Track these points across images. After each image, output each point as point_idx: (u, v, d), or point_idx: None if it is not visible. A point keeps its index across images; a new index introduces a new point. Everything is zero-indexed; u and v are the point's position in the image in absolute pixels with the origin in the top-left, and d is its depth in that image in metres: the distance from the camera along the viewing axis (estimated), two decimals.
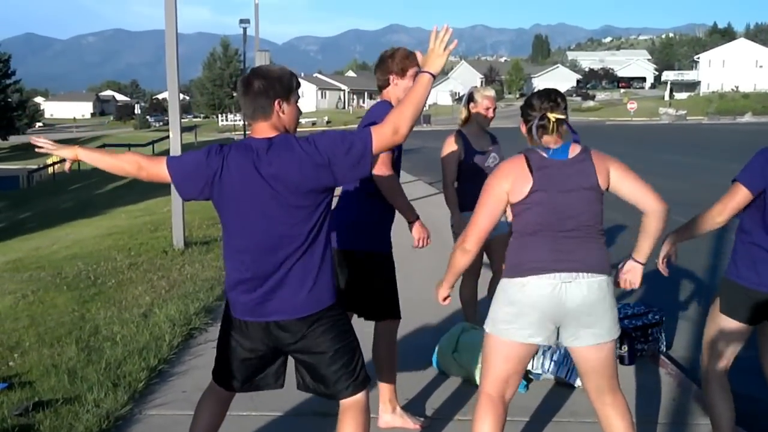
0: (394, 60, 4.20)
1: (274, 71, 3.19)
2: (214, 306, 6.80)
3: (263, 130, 3.14)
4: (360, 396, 3.26)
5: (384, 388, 4.38)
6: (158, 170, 3.26)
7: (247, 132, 34.40)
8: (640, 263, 3.42)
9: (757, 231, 3.53)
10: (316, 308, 3.13)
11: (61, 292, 7.63)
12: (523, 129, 3.43)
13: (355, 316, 4.28)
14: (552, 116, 3.29)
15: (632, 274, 3.44)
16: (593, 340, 3.24)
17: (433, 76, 3.16)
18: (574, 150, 3.30)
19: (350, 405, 3.26)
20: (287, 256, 3.08)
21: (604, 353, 3.29)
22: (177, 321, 6.21)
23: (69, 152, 3.42)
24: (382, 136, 3.05)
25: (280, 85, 3.13)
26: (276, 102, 3.11)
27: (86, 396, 4.66)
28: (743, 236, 3.60)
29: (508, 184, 3.26)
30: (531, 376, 4.96)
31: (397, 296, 4.36)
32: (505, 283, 3.31)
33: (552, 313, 3.19)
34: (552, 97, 3.36)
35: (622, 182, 3.28)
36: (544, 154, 3.27)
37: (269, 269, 3.10)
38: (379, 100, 4.34)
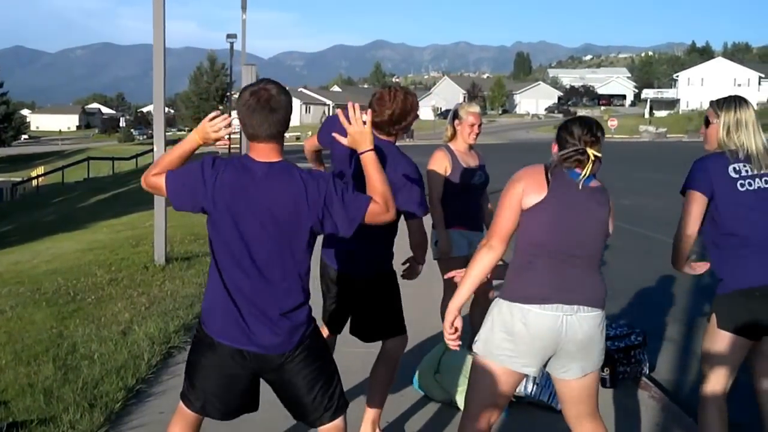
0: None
1: (286, 91, 3.03)
2: (193, 324, 6.72)
3: (267, 152, 2.98)
4: (338, 422, 3.22)
5: (371, 411, 4.32)
6: (158, 180, 3.12)
7: (233, 146, 34.31)
8: None
9: (719, 237, 3.62)
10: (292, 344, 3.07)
11: (40, 307, 7.53)
12: (555, 150, 3.29)
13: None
14: (591, 153, 3.19)
15: None
16: (581, 372, 3.21)
17: (372, 150, 3.09)
18: (596, 183, 3.26)
19: (328, 431, 3.21)
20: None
21: (588, 383, 3.26)
22: (156, 339, 6.13)
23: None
24: (375, 213, 2.99)
25: (292, 106, 3.04)
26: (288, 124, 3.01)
27: (62, 417, 4.58)
28: (715, 251, 3.66)
29: (521, 187, 3.18)
30: (513, 399, 4.91)
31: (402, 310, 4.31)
32: (503, 306, 3.20)
33: (550, 345, 3.13)
34: (594, 130, 3.24)
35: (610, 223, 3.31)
36: (566, 172, 3.20)
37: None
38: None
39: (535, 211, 3.14)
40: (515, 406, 4.86)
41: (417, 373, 5.18)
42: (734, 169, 3.58)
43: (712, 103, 3.79)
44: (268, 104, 2.91)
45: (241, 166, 2.99)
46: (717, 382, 3.67)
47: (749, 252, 3.55)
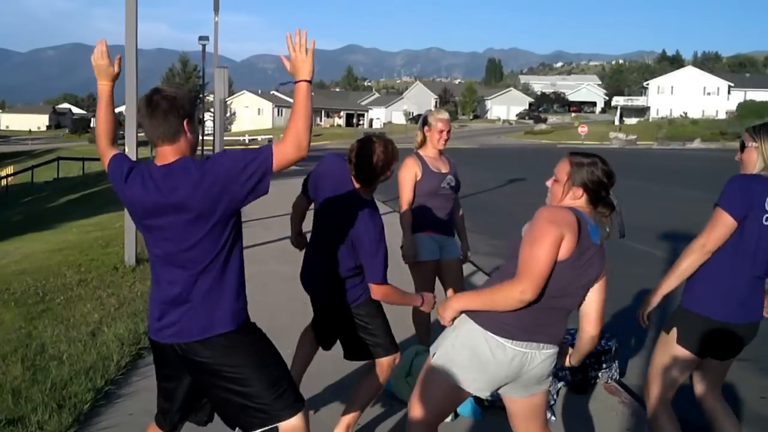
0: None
1: (177, 91, 3.10)
2: None
3: (166, 155, 3.04)
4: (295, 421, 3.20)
5: (349, 416, 4.33)
6: (104, 158, 3.34)
7: (205, 148, 34.06)
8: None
9: (727, 256, 3.56)
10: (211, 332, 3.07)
11: (9, 308, 7.46)
12: (579, 195, 3.17)
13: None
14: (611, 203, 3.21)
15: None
16: (530, 392, 3.28)
17: (309, 81, 3.04)
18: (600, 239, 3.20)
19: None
20: (190, 277, 3.04)
21: (538, 400, 3.31)
22: (126, 340, 6.10)
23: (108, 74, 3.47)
24: (283, 153, 2.91)
25: (188, 103, 3.06)
26: (184, 122, 3.03)
27: (30, 417, 4.55)
28: (713, 265, 3.59)
29: (561, 236, 2.98)
30: (486, 402, 4.94)
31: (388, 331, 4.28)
32: (474, 329, 3.16)
33: (511, 375, 3.17)
34: (613, 179, 3.24)
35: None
36: (588, 226, 3.11)
37: (175, 291, 3.07)
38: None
39: (557, 265, 3.02)
40: (486, 410, 4.89)
41: (392, 376, 5.19)
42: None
43: (748, 128, 3.68)
44: (158, 108, 3.00)
45: (142, 173, 3.08)
46: (665, 389, 3.74)
47: (733, 285, 3.56)
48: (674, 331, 3.70)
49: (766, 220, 3.51)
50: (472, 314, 3.19)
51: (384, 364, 4.23)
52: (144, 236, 3.16)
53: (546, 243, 2.95)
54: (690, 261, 3.60)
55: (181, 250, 3.01)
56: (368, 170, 3.97)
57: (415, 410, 3.33)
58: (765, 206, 3.50)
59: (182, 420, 3.41)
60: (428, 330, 5.67)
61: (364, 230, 3.89)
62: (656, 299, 3.76)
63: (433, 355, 3.30)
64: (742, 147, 3.66)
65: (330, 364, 5.09)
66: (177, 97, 3.03)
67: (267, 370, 3.16)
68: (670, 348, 3.71)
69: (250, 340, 3.18)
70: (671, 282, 3.69)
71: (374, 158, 3.95)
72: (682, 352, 3.66)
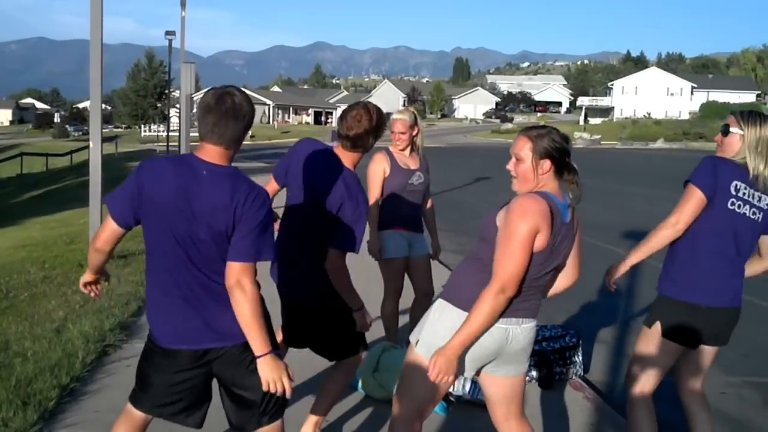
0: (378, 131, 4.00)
1: (249, 98, 3.08)
2: (129, 322, 6.65)
3: (214, 156, 3.00)
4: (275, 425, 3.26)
5: (317, 414, 4.33)
6: (104, 230, 3.16)
7: (171, 145, 33.74)
8: None
9: (695, 242, 3.62)
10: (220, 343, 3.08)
11: None
12: (547, 168, 3.15)
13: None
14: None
15: None
16: (512, 372, 3.30)
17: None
18: (570, 213, 3.23)
19: None
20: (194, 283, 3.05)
21: (517, 383, 3.35)
22: (91, 337, 6.04)
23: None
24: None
25: (253, 116, 3.07)
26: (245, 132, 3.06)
27: None
28: (683, 251, 3.65)
29: (535, 230, 3.01)
30: (452, 398, 4.99)
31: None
32: (452, 313, 3.18)
33: (493, 354, 3.19)
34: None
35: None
36: (558, 204, 3.13)
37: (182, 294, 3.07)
38: (332, 145, 4.15)
39: (539, 258, 3.08)
40: (454, 406, 4.93)
41: (358, 372, 5.21)
42: (735, 186, 3.57)
43: (735, 113, 3.70)
44: (235, 108, 2.98)
45: (184, 163, 3.03)
46: (647, 383, 3.76)
47: (714, 269, 3.61)
48: (658, 323, 3.70)
49: (731, 205, 3.57)
50: (449, 297, 3.24)
51: (351, 360, 4.23)
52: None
53: (521, 242, 2.98)
54: (660, 237, 3.64)
55: None
56: (362, 130, 3.93)
57: (401, 402, 3.33)
58: (730, 190, 3.57)
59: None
60: (396, 327, 5.69)
61: (347, 196, 3.81)
62: (623, 269, 3.79)
63: (416, 342, 3.30)
64: (726, 131, 3.69)
65: (297, 363, 5.09)
66: (252, 107, 3.05)
67: None
68: (653, 340, 3.71)
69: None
70: (639, 255, 3.72)
71: (364, 119, 3.94)
72: (666, 343, 3.67)
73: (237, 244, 2.96)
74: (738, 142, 3.61)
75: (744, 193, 3.58)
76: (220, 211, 2.94)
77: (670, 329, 3.66)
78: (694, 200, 3.57)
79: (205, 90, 3.21)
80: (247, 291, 2.94)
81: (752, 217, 3.61)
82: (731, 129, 3.66)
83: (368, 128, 3.93)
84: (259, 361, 2.99)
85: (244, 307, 2.94)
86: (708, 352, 3.82)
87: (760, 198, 3.61)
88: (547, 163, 3.14)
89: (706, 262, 3.61)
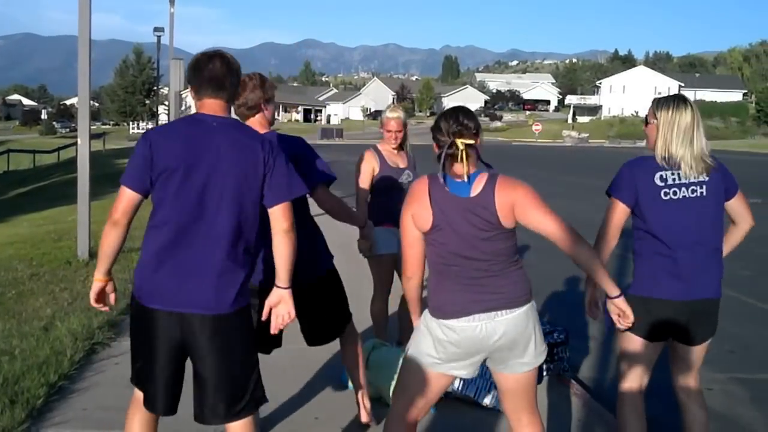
0: (265, 88, 4.00)
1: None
2: (118, 320, 6.62)
3: (219, 108, 3.23)
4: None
5: (360, 390, 4.54)
6: (121, 200, 3.18)
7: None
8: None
9: (639, 242, 3.66)
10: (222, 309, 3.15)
11: None
12: (436, 151, 3.21)
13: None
14: (460, 143, 3.11)
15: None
16: (520, 368, 3.26)
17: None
18: (479, 183, 3.15)
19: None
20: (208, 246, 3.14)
21: (525, 378, 3.31)
22: (79, 335, 6.03)
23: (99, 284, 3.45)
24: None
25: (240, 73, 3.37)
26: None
27: None
28: (637, 249, 3.68)
29: (410, 217, 3.22)
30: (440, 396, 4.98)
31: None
32: (427, 317, 3.27)
33: (476, 350, 3.20)
34: (460, 119, 3.16)
35: (526, 214, 3.13)
36: (447, 188, 3.16)
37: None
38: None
39: (428, 235, 3.19)
40: (442, 402, 4.93)
41: (345, 369, 5.22)
42: (661, 176, 3.55)
43: (653, 101, 3.72)
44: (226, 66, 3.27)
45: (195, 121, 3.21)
46: (634, 380, 3.76)
47: (667, 263, 3.58)
48: None
49: (665, 195, 3.55)
50: (427, 305, 3.31)
51: (351, 327, 4.45)
52: None
53: (402, 230, 3.28)
54: (601, 251, 3.63)
55: None
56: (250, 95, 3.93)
57: (399, 403, 3.36)
58: (656, 183, 3.55)
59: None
60: (386, 324, 5.70)
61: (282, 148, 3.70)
62: (594, 292, 3.76)
63: (408, 348, 3.38)
64: (646, 122, 3.72)
65: (287, 359, 5.10)
66: (238, 65, 3.37)
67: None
68: (627, 337, 3.71)
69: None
70: (599, 274, 3.63)
71: (254, 87, 3.94)
72: (635, 339, 3.67)
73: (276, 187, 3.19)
74: (655, 131, 3.62)
75: (674, 179, 3.55)
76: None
77: (635, 325, 3.61)
78: (615, 212, 3.63)
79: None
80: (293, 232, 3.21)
81: (694, 195, 3.56)
82: (648, 119, 3.69)
83: (256, 88, 3.95)
84: (283, 293, 3.24)
85: (288, 249, 3.21)
86: (692, 348, 3.79)
87: (692, 177, 3.55)
88: (435, 147, 3.23)
89: (656, 257, 3.60)
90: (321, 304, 4.24)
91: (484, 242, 3.13)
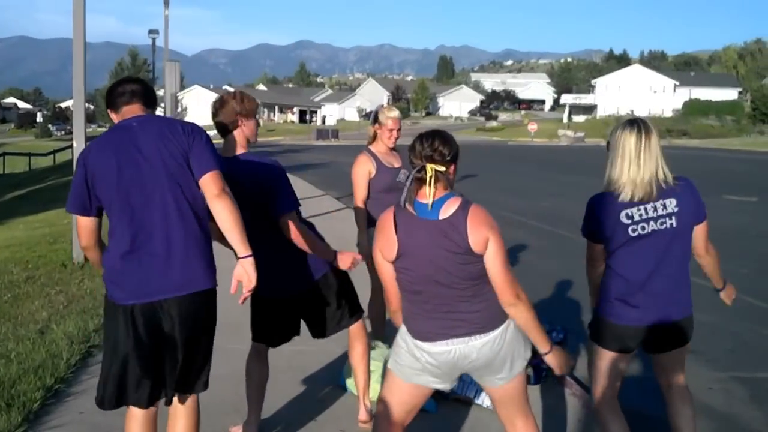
0: (243, 102, 4.09)
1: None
2: None
3: (138, 111, 3.50)
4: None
5: (362, 390, 4.57)
6: (80, 229, 3.44)
7: None
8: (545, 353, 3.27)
9: (608, 271, 3.66)
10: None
11: None
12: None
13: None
14: (430, 168, 3.05)
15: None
16: (500, 383, 3.26)
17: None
18: (450, 207, 3.08)
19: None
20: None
21: (512, 387, 3.29)
22: (75, 338, 6.01)
23: None
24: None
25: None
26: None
27: None
28: (611, 273, 3.67)
29: (379, 244, 3.19)
30: (448, 397, 4.95)
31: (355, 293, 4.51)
32: (404, 332, 3.28)
33: (453, 370, 3.21)
34: (435, 144, 3.10)
35: (490, 261, 3.06)
36: (413, 213, 3.11)
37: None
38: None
39: (396, 264, 3.17)
40: (442, 402, 4.92)
41: (344, 369, 5.20)
42: (626, 215, 3.50)
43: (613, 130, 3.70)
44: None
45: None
46: (607, 386, 3.75)
47: (635, 293, 3.56)
48: (591, 332, 3.78)
49: (632, 232, 3.51)
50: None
51: (356, 329, 4.46)
52: None
53: (377, 267, 3.26)
54: (593, 277, 3.78)
55: None
56: (234, 116, 4.07)
57: (381, 409, 3.37)
58: (622, 221, 3.51)
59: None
60: (383, 325, 5.69)
61: (260, 170, 4.00)
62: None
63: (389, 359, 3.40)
64: (608, 146, 3.67)
65: (284, 360, 5.09)
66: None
67: None
68: (594, 350, 3.75)
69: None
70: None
71: (239, 106, 4.08)
72: (604, 352, 3.69)
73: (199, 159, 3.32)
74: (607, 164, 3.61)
75: (640, 215, 3.50)
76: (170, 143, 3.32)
77: (604, 342, 3.67)
78: (592, 249, 3.71)
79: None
80: (229, 197, 3.29)
81: (663, 228, 3.51)
82: (609, 145, 3.66)
83: (236, 108, 4.07)
84: (243, 262, 3.27)
85: (229, 213, 3.26)
86: (665, 355, 3.80)
87: (661, 207, 3.51)
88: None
89: (618, 286, 3.60)
90: (320, 304, 4.27)
91: (455, 266, 3.07)
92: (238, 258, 3.29)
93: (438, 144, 3.10)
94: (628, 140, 3.51)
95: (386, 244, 3.14)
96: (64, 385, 5.20)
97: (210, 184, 3.27)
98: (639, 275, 3.55)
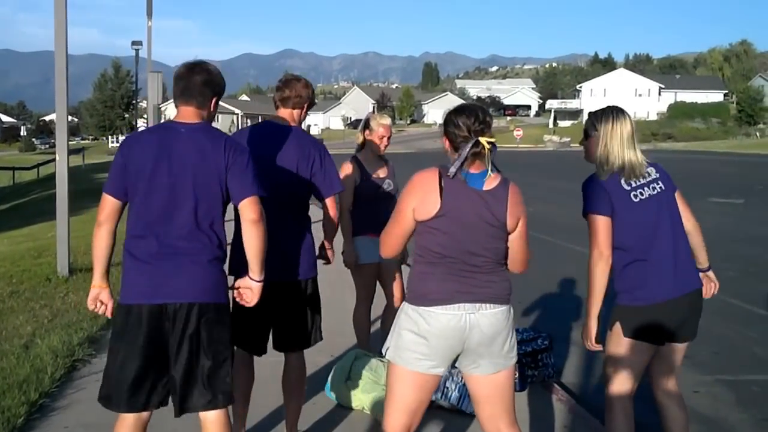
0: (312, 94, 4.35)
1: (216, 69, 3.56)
2: (98, 336, 6.56)
3: (191, 115, 3.43)
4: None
5: (289, 420, 4.36)
6: (104, 207, 3.39)
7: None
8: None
9: (617, 251, 3.65)
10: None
11: None
12: (447, 146, 3.31)
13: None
14: (485, 141, 3.17)
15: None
16: (492, 368, 3.25)
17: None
18: (493, 181, 3.22)
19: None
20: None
21: (500, 380, 3.28)
22: (60, 352, 5.96)
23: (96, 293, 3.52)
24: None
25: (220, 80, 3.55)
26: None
27: None
28: (616, 262, 3.67)
29: (415, 201, 3.19)
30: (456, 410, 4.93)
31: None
32: (408, 309, 3.24)
33: (456, 343, 3.18)
34: (482, 117, 3.23)
35: (518, 239, 3.27)
36: (461, 177, 3.18)
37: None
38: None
39: (429, 223, 3.17)
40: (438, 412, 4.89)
41: (329, 380, 5.18)
42: (624, 181, 3.64)
43: (590, 114, 3.84)
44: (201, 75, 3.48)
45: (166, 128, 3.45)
46: (623, 385, 3.73)
47: (647, 266, 3.61)
48: (617, 324, 3.70)
49: (635, 198, 3.64)
50: (406, 299, 3.31)
51: (302, 355, 4.32)
52: None
53: (396, 211, 3.27)
54: (598, 275, 3.64)
55: None
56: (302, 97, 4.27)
57: (391, 414, 3.30)
58: (623, 186, 3.64)
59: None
60: (368, 334, 5.67)
61: (311, 148, 4.15)
62: (593, 323, 3.74)
63: (386, 350, 3.32)
64: (586, 135, 3.83)
65: (268, 370, 5.06)
66: (219, 73, 3.60)
67: None
68: (619, 341, 3.69)
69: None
70: (595, 301, 3.69)
71: (309, 87, 4.34)
72: (625, 341, 3.67)
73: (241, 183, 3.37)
74: (597, 143, 3.72)
75: (634, 182, 3.66)
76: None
77: (631, 331, 3.66)
78: (601, 227, 3.64)
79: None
80: (263, 224, 3.37)
81: (655, 193, 3.69)
82: (590, 132, 3.79)
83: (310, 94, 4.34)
84: (255, 285, 3.44)
85: (260, 242, 3.37)
86: (677, 348, 3.82)
87: (647, 175, 3.70)
88: (446, 142, 3.33)
89: (634, 266, 3.64)
90: (295, 309, 4.16)
91: (487, 238, 3.19)
92: (251, 277, 3.43)
93: (483, 116, 3.25)
94: (624, 127, 3.69)
95: (425, 202, 3.17)
96: (48, 399, 5.16)
97: (248, 210, 3.34)
98: (647, 243, 3.63)
